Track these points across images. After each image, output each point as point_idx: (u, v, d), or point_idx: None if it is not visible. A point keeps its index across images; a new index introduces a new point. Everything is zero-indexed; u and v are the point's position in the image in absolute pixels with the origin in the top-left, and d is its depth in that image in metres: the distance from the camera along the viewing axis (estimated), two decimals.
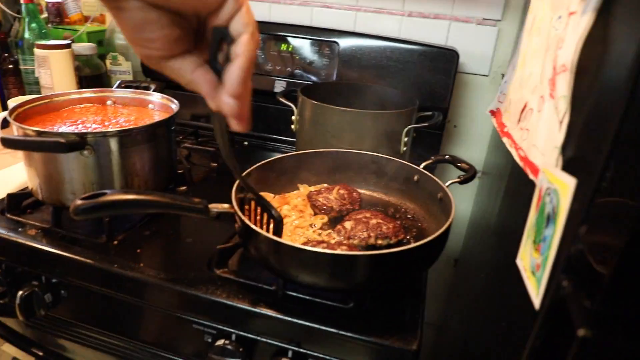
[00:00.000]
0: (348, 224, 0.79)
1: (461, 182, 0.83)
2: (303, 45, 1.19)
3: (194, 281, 0.68)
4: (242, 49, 0.41)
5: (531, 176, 0.55)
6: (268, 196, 0.86)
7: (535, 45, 0.68)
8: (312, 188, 0.90)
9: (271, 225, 0.67)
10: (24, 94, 1.33)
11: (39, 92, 1.27)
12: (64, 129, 0.83)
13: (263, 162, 0.84)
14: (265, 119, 1.27)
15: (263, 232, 0.62)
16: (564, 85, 0.47)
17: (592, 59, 0.43)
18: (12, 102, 1.07)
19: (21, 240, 0.77)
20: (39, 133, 0.72)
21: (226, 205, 0.67)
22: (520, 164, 0.61)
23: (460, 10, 1.14)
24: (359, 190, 0.90)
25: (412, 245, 0.62)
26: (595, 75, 0.42)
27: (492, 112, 0.92)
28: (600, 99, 0.40)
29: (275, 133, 1.26)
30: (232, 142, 0.61)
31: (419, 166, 0.86)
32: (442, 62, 1.09)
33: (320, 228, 0.81)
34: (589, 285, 0.34)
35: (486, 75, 1.18)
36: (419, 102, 1.00)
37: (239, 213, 0.66)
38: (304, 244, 0.74)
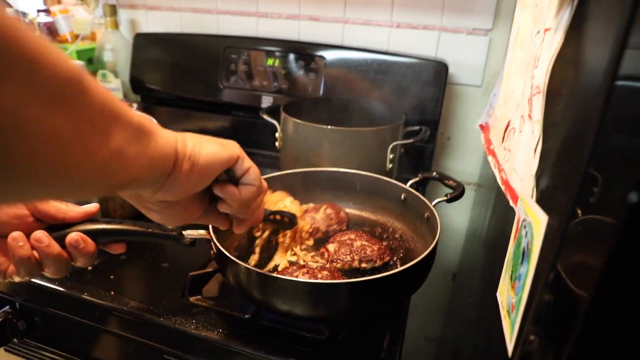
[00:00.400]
0: (331, 247, 0.76)
1: (448, 201, 0.79)
2: (289, 60, 1.17)
3: (164, 310, 0.66)
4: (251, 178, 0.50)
5: (511, 202, 0.52)
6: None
7: (519, 59, 0.65)
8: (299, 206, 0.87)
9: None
10: None
11: None
12: None
13: None
14: (251, 133, 1.25)
15: (239, 261, 0.60)
16: (538, 109, 0.44)
17: (563, 81, 0.40)
18: None
19: None
20: None
21: (202, 232, 0.64)
22: (502, 187, 0.58)
23: (449, 21, 1.11)
24: (347, 210, 0.87)
25: (394, 271, 0.59)
26: (568, 99, 0.39)
27: (481, 127, 0.89)
28: (572, 126, 0.37)
29: (262, 148, 1.23)
30: None
31: (406, 184, 0.83)
32: (431, 75, 1.06)
33: (305, 249, 0.78)
34: (557, 341, 0.31)
35: (479, 86, 1.15)
36: (407, 116, 0.97)
37: (214, 240, 0.64)
38: (285, 268, 0.71)
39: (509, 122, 0.64)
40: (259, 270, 0.59)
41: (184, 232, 0.62)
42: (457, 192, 0.80)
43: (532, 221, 0.40)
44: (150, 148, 0.36)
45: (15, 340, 0.77)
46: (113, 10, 1.32)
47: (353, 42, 1.21)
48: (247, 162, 0.48)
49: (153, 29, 1.41)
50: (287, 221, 0.73)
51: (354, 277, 0.71)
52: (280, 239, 0.78)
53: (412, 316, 0.80)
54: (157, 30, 1.39)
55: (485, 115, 0.91)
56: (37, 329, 0.77)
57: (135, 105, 1.03)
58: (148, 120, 0.37)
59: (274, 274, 0.60)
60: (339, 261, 0.73)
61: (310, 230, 0.80)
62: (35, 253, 0.46)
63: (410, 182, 0.83)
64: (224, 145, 0.46)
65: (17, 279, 0.48)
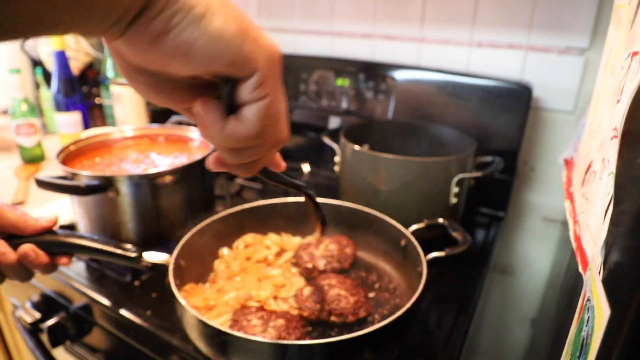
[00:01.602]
0: (307, 290, 0.67)
1: (447, 257, 0.65)
2: (359, 80, 1.12)
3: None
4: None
5: (580, 268, 0.42)
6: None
7: (608, 87, 0.53)
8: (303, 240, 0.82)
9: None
10: (104, 125, 1.44)
11: (114, 125, 1.37)
12: (102, 167, 0.86)
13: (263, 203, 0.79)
14: (318, 153, 1.22)
15: (185, 304, 0.54)
16: (613, 158, 0.34)
17: None
18: (82, 135, 1.15)
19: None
20: (72, 174, 0.74)
21: (164, 257, 0.60)
22: (573, 244, 0.47)
23: (538, 39, 0.99)
24: (336, 246, 0.77)
25: (336, 339, 0.49)
26: None
27: (566, 161, 0.76)
28: None
29: (329, 169, 1.20)
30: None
31: (408, 230, 0.71)
32: (512, 99, 0.94)
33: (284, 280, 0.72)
34: None
35: (571, 112, 1.00)
36: (483, 144, 0.87)
37: (170, 271, 0.59)
38: (242, 307, 0.64)
39: (590, 162, 0.53)
40: (202, 319, 0.52)
41: (143, 255, 0.58)
42: (461, 249, 0.66)
43: (595, 308, 0.31)
44: None
45: (67, 342, 0.81)
46: None
47: (429, 62, 1.13)
48: (262, 89, 0.31)
49: None
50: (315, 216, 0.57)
51: (323, 330, 0.64)
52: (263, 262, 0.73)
53: None
54: None
55: (571, 148, 0.78)
56: (85, 336, 0.80)
57: None
58: None
59: (215, 325, 0.52)
60: (306, 309, 0.64)
61: (309, 267, 0.73)
62: None
63: (413, 228, 0.72)
64: (243, 40, 0.29)
65: None
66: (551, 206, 1.10)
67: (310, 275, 0.72)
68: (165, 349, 0.66)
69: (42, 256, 0.50)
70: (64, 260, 0.53)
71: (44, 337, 0.86)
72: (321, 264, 0.72)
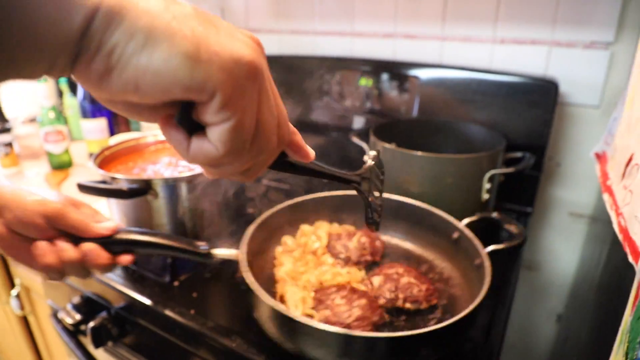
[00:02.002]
0: (376, 280, 0.70)
1: (505, 250, 0.68)
2: (382, 80, 1.13)
3: (239, 335, 0.66)
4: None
5: (630, 258, 0.43)
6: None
7: None
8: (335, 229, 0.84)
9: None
10: (129, 131, 1.47)
11: (139, 130, 1.39)
12: (137, 171, 0.88)
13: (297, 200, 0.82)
14: (341, 154, 1.23)
15: (264, 294, 0.55)
16: None
17: None
18: (112, 141, 1.18)
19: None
20: (112, 178, 0.76)
21: (234, 252, 0.62)
22: (620, 236, 0.48)
23: (562, 34, 0.99)
24: (390, 239, 0.82)
25: (433, 327, 0.52)
26: None
27: (597, 156, 0.77)
28: None
29: (352, 169, 1.21)
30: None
31: (460, 222, 0.74)
32: (538, 95, 0.95)
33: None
34: None
35: (596, 107, 1.01)
36: (509, 141, 0.88)
37: (244, 263, 0.61)
38: (324, 288, 0.67)
39: (631, 155, 0.53)
40: (279, 310, 0.54)
41: (212, 251, 0.59)
42: (518, 242, 0.69)
43: None
44: None
45: (109, 343, 0.83)
46: None
47: (451, 60, 1.14)
48: (226, 110, 0.28)
49: None
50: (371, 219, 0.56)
51: (393, 317, 0.66)
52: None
53: (507, 358, 0.70)
54: None
55: (602, 142, 0.78)
56: (128, 336, 0.82)
57: None
58: None
59: (292, 316, 0.54)
60: (382, 297, 0.67)
61: (343, 257, 0.76)
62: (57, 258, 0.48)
63: (466, 221, 0.74)
64: (193, 65, 0.26)
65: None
66: (577, 201, 1.10)
67: (348, 265, 0.75)
68: (213, 348, 0.68)
69: (104, 257, 0.50)
70: (126, 258, 0.52)
71: (84, 339, 0.89)
72: (355, 256, 0.74)
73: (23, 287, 1.28)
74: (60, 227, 0.50)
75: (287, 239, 0.81)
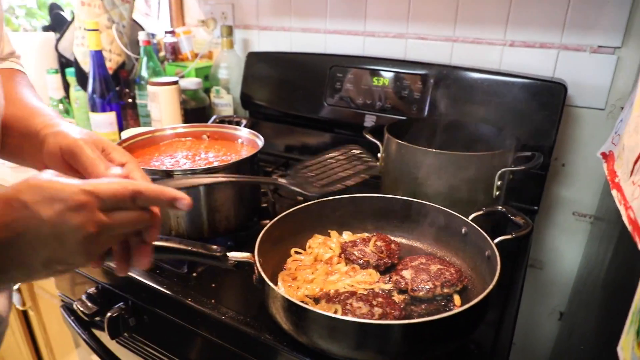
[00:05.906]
0: (407, 273, 0.72)
1: (513, 239, 0.71)
2: (394, 79, 1.15)
3: (261, 325, 0.67)
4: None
5: None
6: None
7: None
8: (347, 237, 0.85)
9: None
10: (138, 126, 1.47)
11: (150, 124, 1.40)
12: (155, 164, 0.89)
13: (306, 204, 0.82)
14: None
15: (279, 289, 0.58)
16: None
17: None
18: (124, 134, 1.19)
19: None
20: None
21: (246, 255, 0.65)
22: (629, 227, 0.50)
23: (571, 38, 1.02)
24: (398, 239, 0.83)
25: (456, 310, 0.55)
26: None
27: (604, 155, 0.80)
28: None
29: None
30: None
31: (468, 218, 0.76)
32: (547, 97, 0.97)
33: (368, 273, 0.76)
34: None
35: (601, 109, 1.04)
36: (518, 141, 0.90)
37: (258, 264, 0.63)
38: (358, 296, 0.67)
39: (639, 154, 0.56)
40: (293, 300, 0.57)
41: (228, 254, 0.63)
42: (525, 231, 0.72)
43: None
44: None
45: (125, 334, 0.85)
46: (229, 31, 1.42)
47: (462, 61, 1.17)
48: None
49: (264, 48, 1.49)
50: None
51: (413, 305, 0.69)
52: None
53: (510, 356, 0.73)
54: (268, 49, 1.47)
55: (609, 142, 0.81)
56: (145, 327, 0.84)
57: (243, 122, 1.09)
58: None
59: (307, 306, 0.56)
60: (420, 290, 0.69)
61: (361, 263, 0.77)
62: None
63: (473, 215, 0.77)
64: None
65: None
66: (581, 201, 1.13)
67: (366, 270, 0.76)
68: (234, 337, 0.69)
69: (146, 250, 0.50)
70: (144, 261, 0.50)
71: (96, 331, 0.90)
72: (373, 260, 0.76)
73: None
74: (71, 162, 0.50)
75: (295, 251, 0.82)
